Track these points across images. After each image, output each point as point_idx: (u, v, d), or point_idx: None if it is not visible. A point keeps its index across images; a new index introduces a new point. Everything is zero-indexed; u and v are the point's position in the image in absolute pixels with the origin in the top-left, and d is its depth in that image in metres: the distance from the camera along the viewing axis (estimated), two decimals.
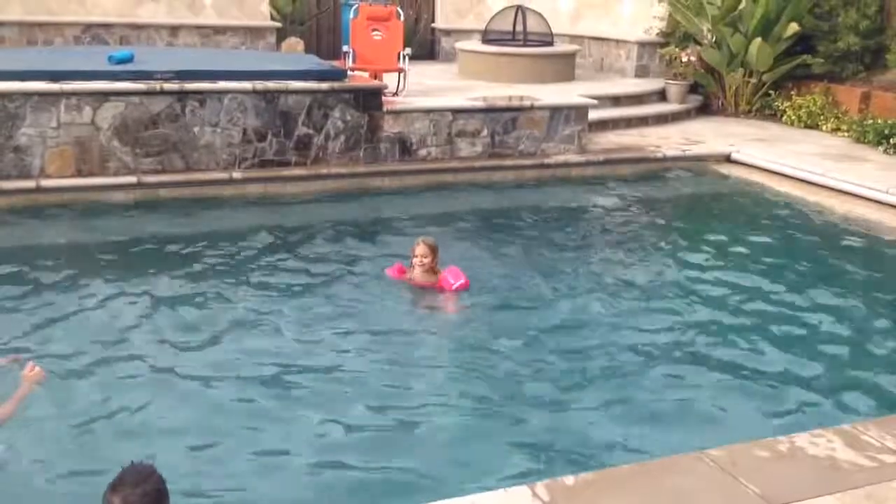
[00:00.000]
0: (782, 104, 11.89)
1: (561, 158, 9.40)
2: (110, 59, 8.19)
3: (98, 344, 4.85)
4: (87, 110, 7.59)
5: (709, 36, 12.18)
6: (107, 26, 12.49)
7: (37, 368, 4.09)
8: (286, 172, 8.30)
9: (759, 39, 11.51)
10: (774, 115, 12.01)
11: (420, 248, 5.83)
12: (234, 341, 5.05)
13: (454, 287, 5.73)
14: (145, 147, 7.82)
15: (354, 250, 6.71)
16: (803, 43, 11.92)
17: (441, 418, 4.24)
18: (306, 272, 6.19)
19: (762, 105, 12.17)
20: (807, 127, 11.46)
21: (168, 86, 7.81)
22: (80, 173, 7.66)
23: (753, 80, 12.08)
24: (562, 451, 3.93)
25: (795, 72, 11.96)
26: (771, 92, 12.11)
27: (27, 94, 7.41)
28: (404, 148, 8.78)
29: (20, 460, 3.77)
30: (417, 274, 5.84)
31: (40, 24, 12.20)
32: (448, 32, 15.11)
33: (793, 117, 11.64)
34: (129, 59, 8.27)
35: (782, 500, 3.09)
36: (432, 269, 5.82)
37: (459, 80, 12.15)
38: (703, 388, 4.63)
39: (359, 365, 4.80)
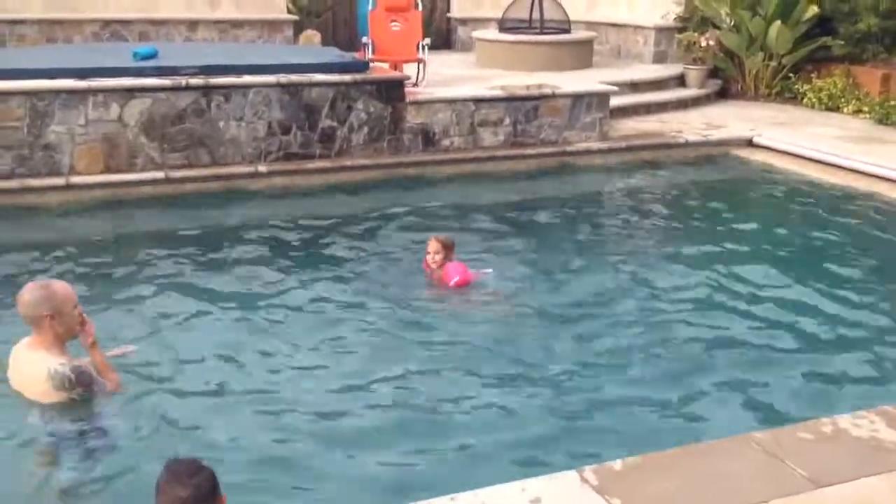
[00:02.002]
0: (802, 87, 11.86)
1: (583, 146, 9.41)
2: (135, 55, 8.25)
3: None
4: (115, 107, 7.66)
5: (727, 20, 12.15)
6: (125, 22, 12.55)
7: (88, 328, 4.05)
8: (311, 165, 8.35)
9: (778, 22, 11.47)
10: (795, 98, 11.97)
11: (431, 245, 5.81)
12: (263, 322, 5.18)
13: (452, 283, 5.67)
14: (172, 142, 7.89)
15: (376, 243, 6.75)
16: (823, 25, 11.87)
17: (482, 405, 4.28)
18: (331, 264, 6.27)
19: (782, 88, 12.14)
20: (828, 109, 11.43)
21: (193, 81, 7.87)
22: (108, 169, 7.73)
23: (773, 64, 12.03)
24: (607, 436, 3.97)
25: (815, 54, 11.92)
26: (791, 75, 12.07)
27: (55, 92, 7.48)
28: (427, 139, 8.81)
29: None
30: (434, 270, 5.82)
31: (60, 22, 12.27)
32: (464, 21, 15.11)
33: (813, 100, 11.61)
34: (154, 55, 8.33)
35: (830, 481, 3.13)
36: (442, 265, 5.77)
37: (477, 70, 12.16)
38: (740, 372, 4.65)
39: (384, 356, 4.84)
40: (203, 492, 2.74)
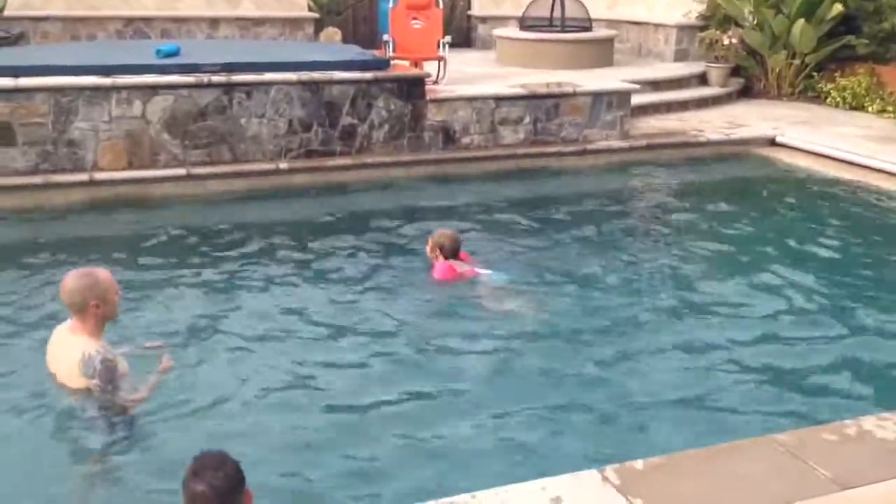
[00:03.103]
0: (826, 86, 11.76)
1: (603, 144, 9.38)
2: (158, 52, 8.30)
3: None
4: (138, 104, 7.70)
5: (750, 18, 12.06)
6: (147, 20, 12.67)
7: (171, 362, 4.25)
8: (331, 162, 8.37)
9: (802, 21, 11.38)
10: (818, 98, 11.88)
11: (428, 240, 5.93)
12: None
13: (435, 276, 5.76)
14: (194, 139, 7.93)
15: (392, 240, 6.77)
16: (847, 23, 11.76)
17: (501, 406, 4.28)
18: (343, 261, 6.29)
19: (805, 87, 12.04)
20: (852, 109, 11.33)
21: (216, 78, 7.90)
22: (131, 166, 7.79)
23: (796, 62, 11.94)
24: (628, 435, 3.96)
25: (839, 53, 11.81)
26: (814, 74, 11.98)
27: (80, 89, 7.54)
28: (447, 136, 8.81)
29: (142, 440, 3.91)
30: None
31: (82, 19, 12.39)
32: (484, 19, 15.11)
33: (837, 99, 11.51)
34: (177, 53, 8.38)
35: (854, 483, 3.10)
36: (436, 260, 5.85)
37: (498, 68, 12.15)
38: (763, 372, 4.62)
39: (399, 351, 4.86)
40: (221, 489, 2.73)
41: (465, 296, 5.63)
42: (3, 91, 7.35)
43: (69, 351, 3.92)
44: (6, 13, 11.96)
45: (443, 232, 5.99)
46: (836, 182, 8.69)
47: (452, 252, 5.82)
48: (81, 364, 3.84)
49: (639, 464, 3.24)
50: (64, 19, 12.30)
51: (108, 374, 3.86)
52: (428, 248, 5.89)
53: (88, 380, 3.85)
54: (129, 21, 12.55)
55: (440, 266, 5.79)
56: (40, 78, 7.52)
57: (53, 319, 4.48)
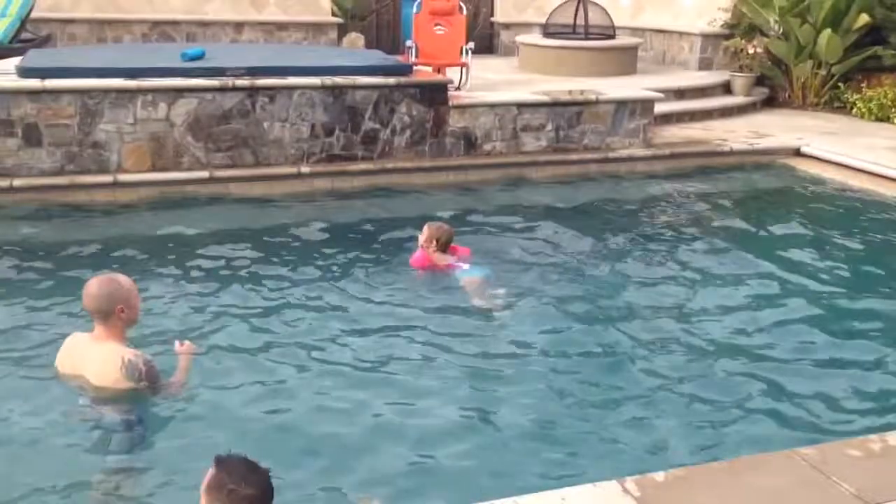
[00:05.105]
0: (852, 96, 11.65)
1: (626, 152, 9.34)
2: (183, 56, 8.34)
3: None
4: (163, 106, 7.76)
5: (776, 27, 11.99)
6: (174, 23, 12.76)
7: (186, 343, 4.31)
8: (353, 167, 8.39)
9: (828, 31, 11.29)
10: (843, 108, 11.77)
11: None
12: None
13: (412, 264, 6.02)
14: (217, 142, 7.97)
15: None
16: (874, 34, 11.66)
17: (521, 413, 4.25)
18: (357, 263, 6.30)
19: (831, 97, 11.94)
20: (878, 120, 11.21)
21: (240, 82, 7.94)
22: (154, 168, 7.84)
23: (822, 72, 11.84)
24: (649, 447, 3.92)
25: (866, 63, 11.70)
26: (840, 84, 11.87)
27: (106, 91, 7.60)
28: (469, 142, 8.80)
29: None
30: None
31: (109, 22, 12.51)
32: (507, 26, 15.11)
33: (863, 110, 11.40)
34: (202, 56, 8.42)
35: (878, 499, 3.06)
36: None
37: (521, 74, 12.15)
38: (786, 386, 4.56)
39: (416, 358, 4.84)
40: (270, 487, 2.74)
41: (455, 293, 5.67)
42: (30, 92, 7.43)
43: (103, 357, 3.97)
44: (34, 14, 12.09)
45: (430, 224, 6.15)
46: (861, 193, 8.60)
47: (444, 245, 6.01)
48: (124, 369, 3.92)
49: (660, 475, 3.21)
50: (91, 22, 12.42)
51: (154, 374, 3.98)
52: (422, 239, 6.02)
53: (136, 383, 3.93)
54: (155, 24, 12.66)
55: (418, 255, 6.02)
56: (67, 80, 7.58)
57: (75, 321, 4.52)
